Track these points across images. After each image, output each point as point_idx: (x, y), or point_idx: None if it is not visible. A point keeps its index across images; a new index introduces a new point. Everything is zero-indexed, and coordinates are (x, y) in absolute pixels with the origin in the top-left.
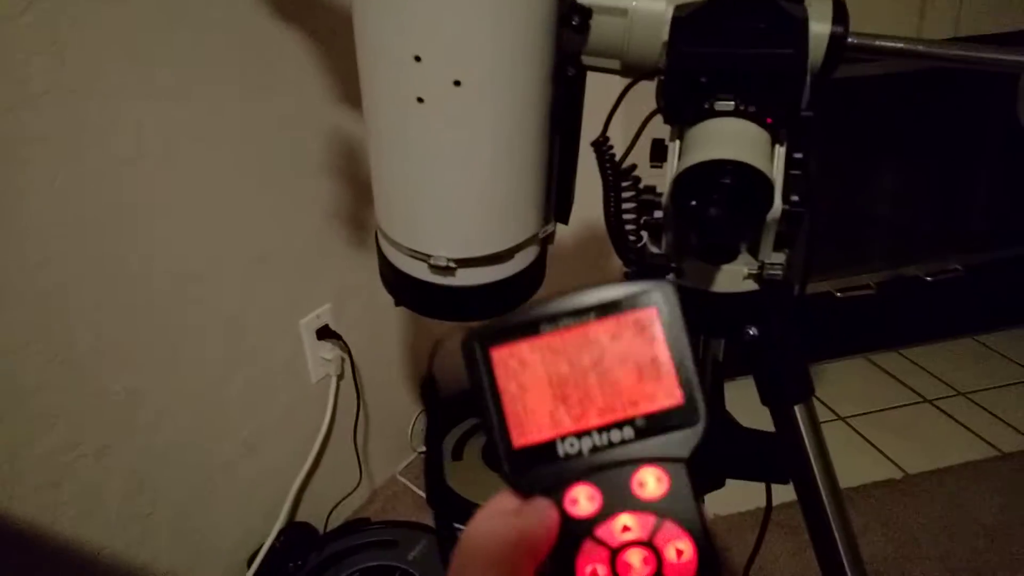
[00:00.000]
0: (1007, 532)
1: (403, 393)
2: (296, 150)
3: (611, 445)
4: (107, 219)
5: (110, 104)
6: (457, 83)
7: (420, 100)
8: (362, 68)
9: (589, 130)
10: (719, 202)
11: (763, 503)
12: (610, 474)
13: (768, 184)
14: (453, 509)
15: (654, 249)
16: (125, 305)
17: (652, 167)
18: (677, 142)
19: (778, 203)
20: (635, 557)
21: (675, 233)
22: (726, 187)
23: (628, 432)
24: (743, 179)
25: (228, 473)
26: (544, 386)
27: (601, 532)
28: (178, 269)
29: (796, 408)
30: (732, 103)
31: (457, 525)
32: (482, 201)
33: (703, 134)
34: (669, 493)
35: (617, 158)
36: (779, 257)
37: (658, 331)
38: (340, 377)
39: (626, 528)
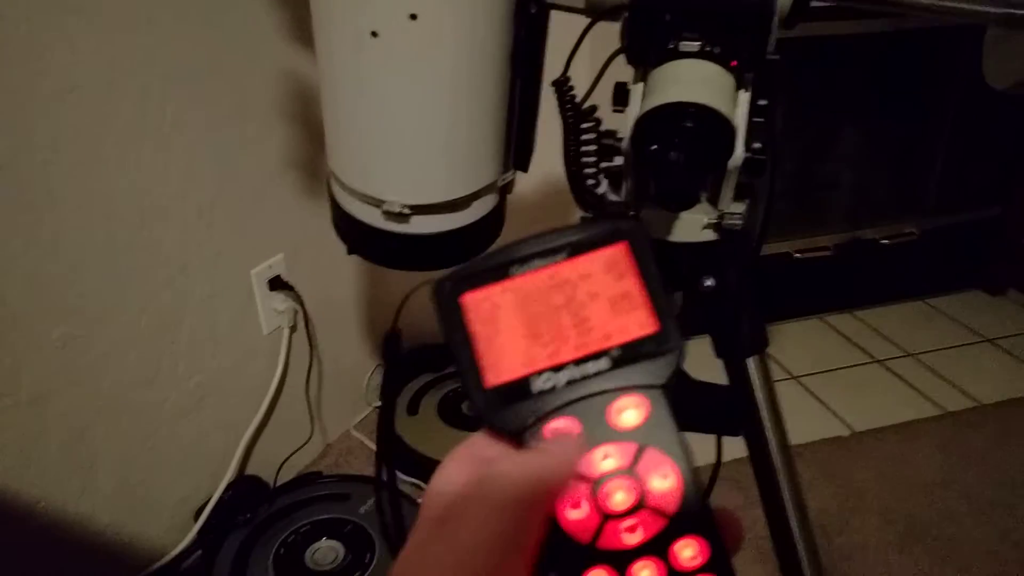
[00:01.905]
0: (947, 488)
1: (358, 347)
2: (246, 90)
3: (587, 377)
4: (40, 157)
5: (41, 29)
6: (413, 16)
7: (374, 34)
8: (314, 1)
9: (550, 74)
10: (680, 146)
11: (713, 459)
12: (587, 405)
13: (731, 129)
14: (406, 463)
15: (613, 197)
16: (63, 250)
17: (614, 111)
18: (640, 85)
19: (740, 150)
20: (617, 486)
21: (635, 180)
22: (688, 131)
23: (604, 363)
24: (705, 123)
25: (175, 424)
26: (516, 327)
27: (581, 464)
28: (122, 212)
29: (750, 361)
30: (697, 43)
31: (404, 477)
32: (438, 144)
33: (666, 76)
34: (649, 420)
35: (578, 99)
36: (739, 207)
37: (629, 265)
38: (293, 329)
39: (607, 457)
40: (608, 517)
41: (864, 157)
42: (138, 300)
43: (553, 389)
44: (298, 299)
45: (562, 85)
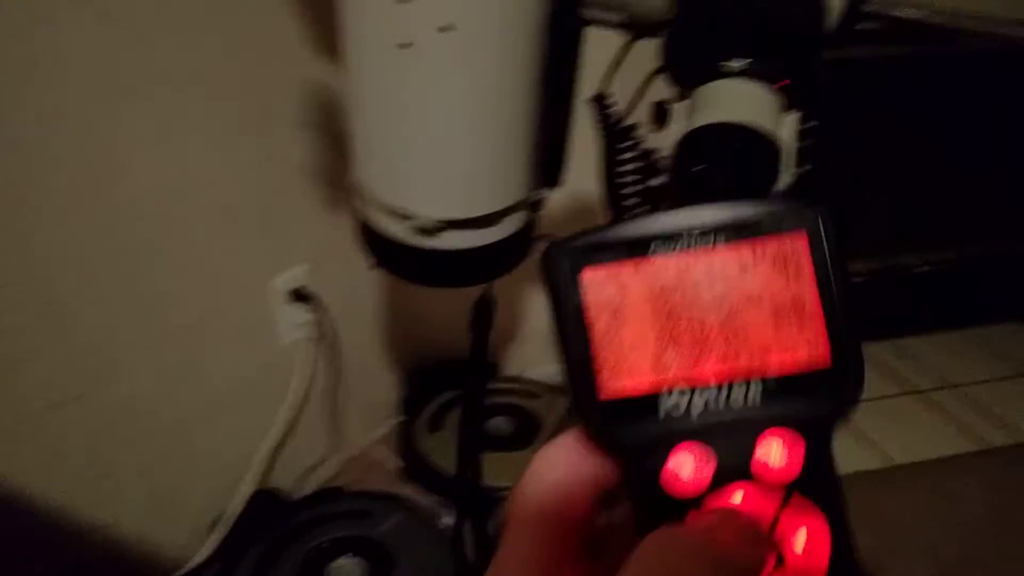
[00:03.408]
0: (996, 526)
1: (382, 361)
2: (269, 97)
3: (731, 407)
4: (56, 162)
5: (58, 34)
6: (446, 28)
7: (405, 46)
8: (341, 10)
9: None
10: (726, 168)
11: None
12: (727, 436)
13: (777, 152)
14: (428, 481)
15: None
16: (77, 256)
17: (652, 132)
18: (680, 104)
19: (787, 174)
20: None
21: (676, 201)
22: (734, 152)
23: (755, 392)
24: (752, 145)
25: (193, 434)
26: (649, 322)
27: (712, 505)
28: (139, 218)
29: None
30: (744, 62)
31: (427, 495)
32: (470, 159)
33: (711, 95)
34: (803, 466)
35: (616, 117)
36: None
37: (806, 264)
38: (315, 340)
39: (745, 500)
40: None
41: (905, 181)
42: (154, 309)
43: (686, 415)
44: (321, 310)
45: (601, 101)
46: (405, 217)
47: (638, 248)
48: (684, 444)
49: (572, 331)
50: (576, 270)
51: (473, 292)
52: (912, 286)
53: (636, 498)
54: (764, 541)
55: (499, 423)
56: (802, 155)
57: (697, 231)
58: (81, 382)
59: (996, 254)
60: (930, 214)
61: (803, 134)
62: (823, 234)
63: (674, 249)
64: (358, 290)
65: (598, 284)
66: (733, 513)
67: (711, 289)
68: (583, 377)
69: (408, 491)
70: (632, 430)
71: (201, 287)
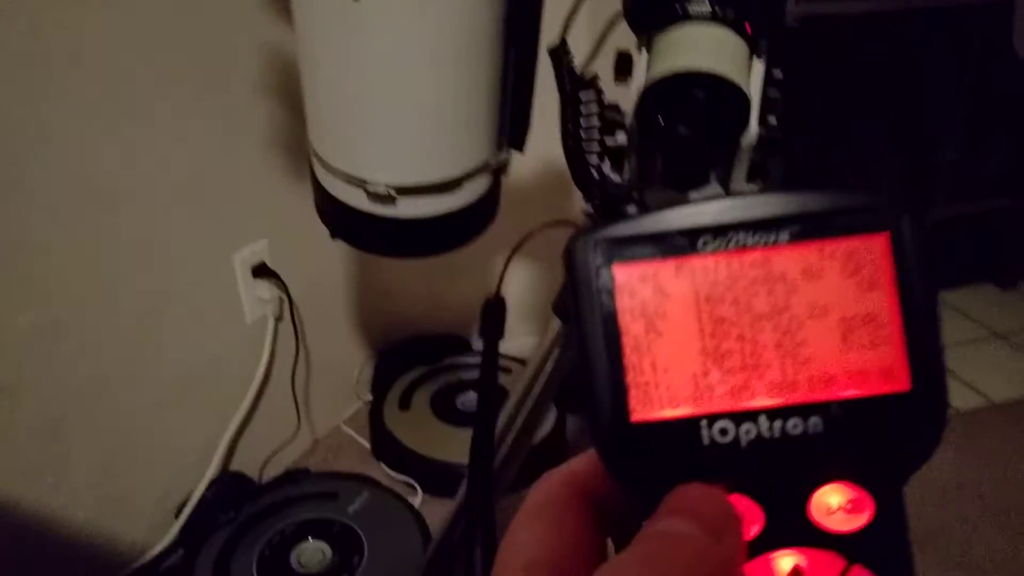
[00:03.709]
0: (960, 490)
1: (349, 338)
2: (223, 65)
3: (786, 440)
4: (26, 136)
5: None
6: None
7: None
8: None
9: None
10: (690, 119)
11: None
12: (779, 485)
13: (745, 101)
14: (397, 461)
15: (615, 178)
16: (28, 233)
17: (616, 83)
18: (645, 53)
19: (753, 126)
20: None
21: (639, 157)
22: (698, 102)
23: (816, 423)
24: (717, 94)
25: (155, 417)
26: (692, 333)
27: (754, 572)
28: (92, 193)
29: None
30: (708, 5)
31: (395, 475)
32: (425, 119)
33: (674, 41)
34: (869, 527)
35: (577, 68)
36: (752, 188)
37: (885, 271)
38: (278, 319)
39: (796, 572)
40: None
41: (871, 145)
42: (112, 286)
43: (733, 446)
44: (284, 287)
45: (559, 52)
46: (360, 184)
47: (682, 243)
48: (726, 488)
49: (599, 340)
50: (607, 267)
51: (460, 268)
52: None
53: None
54: None
55: (469, 398)
56: (769, 107)
57: (755, 225)
58: (34, 366)
59: (966, 217)
60: (899, 177)
61: (770, 84)
62: (909, 237)
63: (725, 246)
64: (323, 265)
65: (633, 285)
66: (680, 522)
67: (769, 295)
68: (611, 395)
69: (377, 471)
70: (665, 464)
71: (160, 265)
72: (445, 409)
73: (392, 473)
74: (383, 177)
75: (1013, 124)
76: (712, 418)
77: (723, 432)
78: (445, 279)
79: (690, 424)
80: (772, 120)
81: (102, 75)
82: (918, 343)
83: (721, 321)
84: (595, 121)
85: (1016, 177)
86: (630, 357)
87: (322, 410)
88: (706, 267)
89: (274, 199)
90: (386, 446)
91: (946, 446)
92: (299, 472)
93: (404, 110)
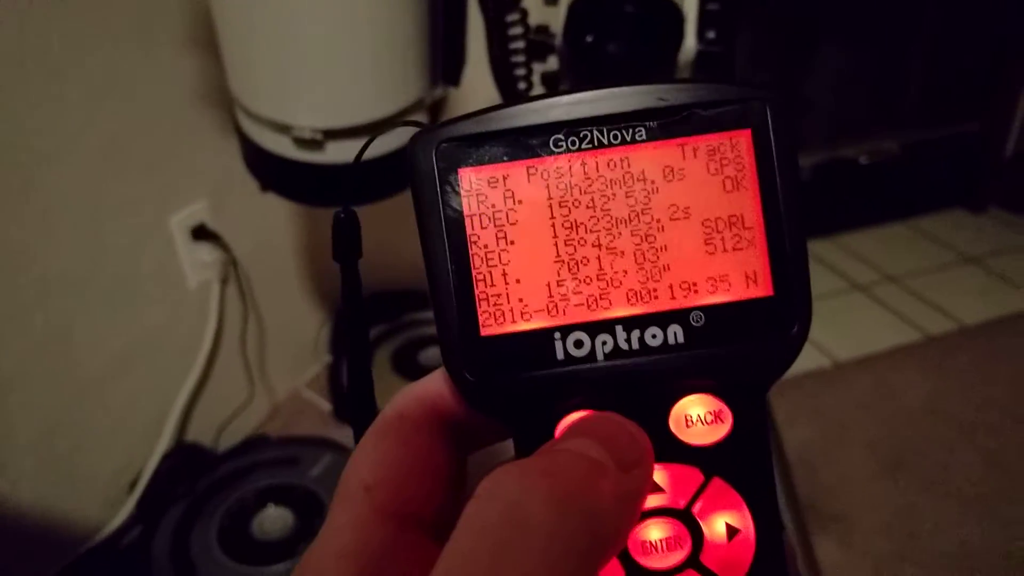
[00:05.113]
0: (932, 414)
1: (303, 299)
2: (150, 16)
3: (645, 351)
4: None
5: None
6: None
7: None
8: None
9: None
10: (620, 35)
11: None
12: (636, 399)
13: (677, 15)
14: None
15: None
16: None
17: (546, 4)
18: None
19: (691, 41)
20: (659, 532)
21: (572, 80)
22: (628, 17)
23: (675, 332)
24: (648, 8)
25: (99, 390)
26: (545, 241)
27: None
28: (8, 155)
29: None
30: None
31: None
32: (351, 56)
33: None
34: (728, 439)
35: None
36: None
37: (748, 171)
38: (224, 282)
39: (653, 487)
40: (638, 573)
41: (839, 73)
42: (38, 253)
43: (589, 359)
44: (226, 249)
45: None
46: (285, 129)
47: (533, 144)
48: (581, 403)
49: (446, 249)
50: (452, 170)
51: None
52: (855, 179)
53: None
54: (633, 498)
55: (430, 354)
56: (708, 21)
57: (611, 120)
58: None
59: (935, 141)
60: (866, 105)
61: None
62: (772, 132)
63: (579, 147)
64: (268, 224)
65: (483, 188)
66: (590, 444)
67: (627, 198)
68: (460, 308)
69: (340, 434)
70: (519, 379)
71: (89, 231)
72: (407, 365)
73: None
74: (308, 120)
75: (981, 46)
76: (566, 329)
77: (578, 344)
78: (399, 232)
79: (544, 336)
80: (711, 35)
81: (16, 31)
82: (781, 246)
83: (576, 227)
84: (520, 43)
85: (982, 100)
86: (479, 268)
87: (280, 375)
88: (559, 169)
89: (211, 157)
90: (347, 406)
91: (917, 373)
92: (258, 439)
93: (326, 47)
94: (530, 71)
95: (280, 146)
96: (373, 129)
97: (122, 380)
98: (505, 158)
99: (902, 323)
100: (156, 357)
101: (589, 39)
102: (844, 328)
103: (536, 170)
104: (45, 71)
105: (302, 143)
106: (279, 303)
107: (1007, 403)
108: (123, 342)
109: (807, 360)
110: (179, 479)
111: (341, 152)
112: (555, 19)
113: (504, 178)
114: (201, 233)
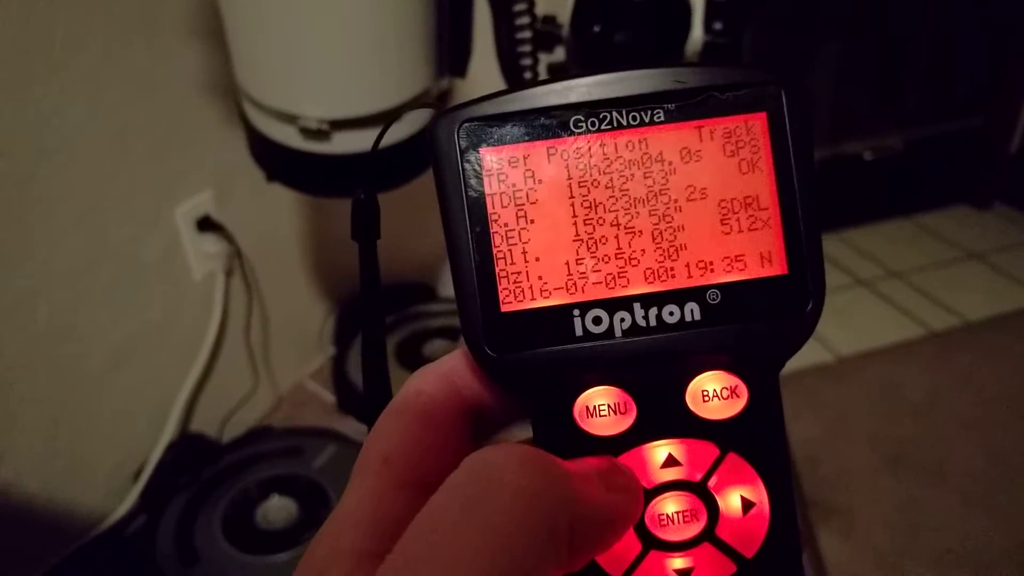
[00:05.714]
0: (934, 409)
1: (308, 291)
2: (153, 6)
3: (662, 328)
4: None
5: None
6: None
7: None
8: None
9: None
10: (627, 25)
11: None
12: (654, 375)
13: (684, 5)
14: (361, 412)
15: None
16: None
17: None
18: None
19: (698, 32)
20: (676, 506)
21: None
22: (635, 7)
23: (692, 309)
24: None
25: (103, 381)
26: (564, 220)
27: (629, 464)
28: (14, 146)
29: None
30: None
31: (361, 426)
32: (358, 46)
33: None
34: (744, 414)
35: None
36: None
37: (764, 154)
38: (229, 274)
39: (670, 461)
40: (654, 546)
41: (843, 69)
42: (42, 244)
43: (607, 335)
44: (231, 240)
45: None
46: (291, 119)
47: (554, 124)
48: (600, 379)
49: (467, 227)
50: (474, 149)
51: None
52: (859, 175)
53: (542, 439)
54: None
55: (435, 347)
56: (714, 12)
57: (629, 103)
58: None
59: (939, 137)
60: (874, 98)
61: None
62: (787, 116)
63: (599, 128)
64: (273, 215)
65: (502, 169)
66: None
67: (645, 179)
68: (480, 285)
69: (344, 425)
70: (537, 355)
71: (95, 222)
72: (411, 358)
73: (360, 425)
74: (315, 111)
75: (985, 42)
76: (585, 306)
77: (597, 321)
78: (405, 223)
79: (562, 313)
80: (718, 26)
81: (20, 22)
82: (795, 226)
83: (595, 206)
84: (527, 34)
85: (985, 96)
86: (500, 246)
87: (285, 366)
88: (579, 149)
89: (216, 148)
90: (351, 399)
91: (920, 368)
92: (262, 430)
93: (334, 37)
94: (537, 61)
95: (286, 136)
96: (379, 119)
97: (126, 371)
98: (526, 138)
99: (905, 319)
100: (160, 348)
101: (596, 29)
102: (848, 323)
103: (556, 150)
104: (49, 62)
105: (308, 133)
106: (284, 294)
107: (1009, 399)
108: (127, 333)
109: (810, 355)
110: (183, 469)
111: (347, 142)
112: (562, 9)
113: (525, 158)
114: (206, 224)
